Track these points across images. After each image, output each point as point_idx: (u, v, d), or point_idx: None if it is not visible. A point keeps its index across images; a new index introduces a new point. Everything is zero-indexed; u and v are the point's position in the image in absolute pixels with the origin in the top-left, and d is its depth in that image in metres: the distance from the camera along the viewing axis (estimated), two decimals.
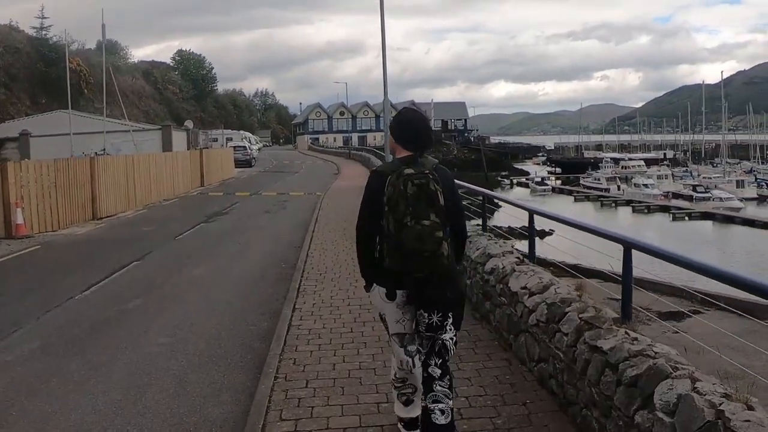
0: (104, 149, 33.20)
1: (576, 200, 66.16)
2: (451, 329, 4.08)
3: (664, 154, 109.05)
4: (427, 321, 4.02)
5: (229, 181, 37.46)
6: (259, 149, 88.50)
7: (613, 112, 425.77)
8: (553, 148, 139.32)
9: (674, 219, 50.09)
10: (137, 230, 17.62)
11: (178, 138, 40.61)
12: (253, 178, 40.51)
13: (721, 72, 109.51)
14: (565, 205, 62.02)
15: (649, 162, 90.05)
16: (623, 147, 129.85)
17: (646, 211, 54.79)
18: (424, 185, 3.81)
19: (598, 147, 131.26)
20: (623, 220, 52.92)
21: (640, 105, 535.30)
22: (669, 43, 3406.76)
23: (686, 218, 50.02)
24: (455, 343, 4.17)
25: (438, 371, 4.05)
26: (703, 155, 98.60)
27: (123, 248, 14.44)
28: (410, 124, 4.16)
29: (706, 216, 49.43)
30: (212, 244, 14.81)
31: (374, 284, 4.14)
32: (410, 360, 4.15)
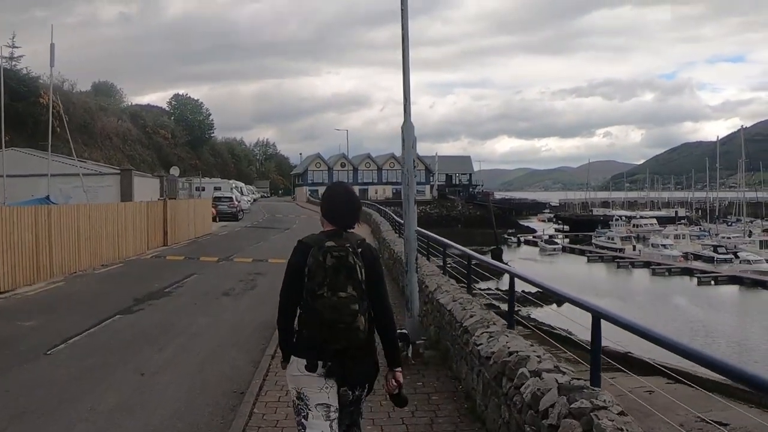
0: (48, 196, 27.18)
1: (589, 261, 63.09)
2: (365, 396, 4.06)
3: (676, 212, 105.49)
4: (351, 398, 3.94)
5: (203, 239, 31.08)
6: (255, 200, 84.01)
7: (614, 169, 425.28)
8: (557, 204, 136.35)
9: (700, 283, 47.48)
10: (11, 326, 11.24)
11: (146, 185, 34.45)
12: (234, 235, 34.22)
13: (742, 126, 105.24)
14: (578, 267, 58.18)
15: (661, 220, 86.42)
16: (630, 204, 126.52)
17: (666, 273, 52.49)
18: (343, 258, 3.80)
19: (605, 204, 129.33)
20: (645, 285, 49.27)
21: (641, 162, 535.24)
22: (673, 100, 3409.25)
23: (712, 282, 47.44)
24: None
25: None
26: (717, 213, 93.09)
27: None
28: (335, 201, 4.12)
29: (734, 280, 46.89)
30: (93, 375, 8.27)
31: (292, 357, 3.96)
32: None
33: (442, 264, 11.33)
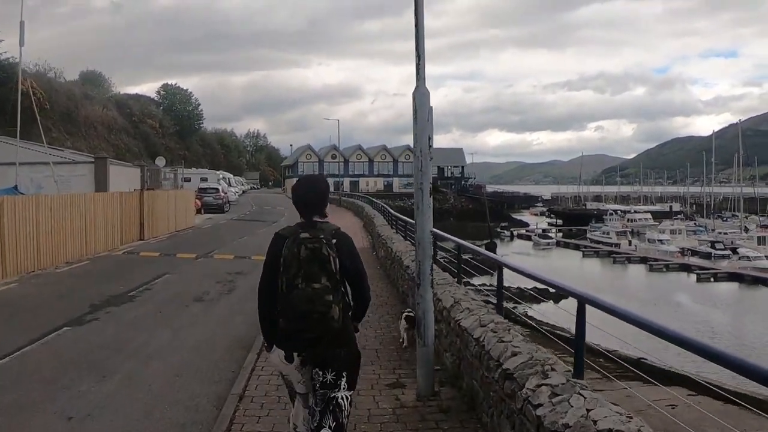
0: (16, 186, 25.10)
1: (584, 255, 62.00)
2: (345, 387, 3.98)
3: (671, 206, 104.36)
4: (321, 379, 3.93)
5: (184, 232, 29.08)
6: (244, 191, 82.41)
7: (605, 163, 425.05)
8: (550, 198, 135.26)
9: (699, 280, 46.49)
10: None
11: (125, 175, 32.33)
12: (218, 228, 32.28)
13: (739, 120, 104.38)
14: (573, 262, 57.27)
15: (656, 215, 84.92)
16: (623, 198, 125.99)
17: (664, 269, 51.73)
18: (317, 249, 3.82)
19: (597, 198, 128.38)
20: (643, 281, 47.87)
21: (632, 156, 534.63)
22: (665, 94, 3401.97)
23: (712, 279, 46.60)
24: (350, 404, 4.05)
25: None
26: (713, 208, 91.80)
27: None
28: (300, 193, 4.14)
29: (733, 277, 45.89)
30: (4, 421, 6.31)
31: (274, 345, 4.03)
32: (311, 417, 3.95)
33: (455, 269, 9.33)
